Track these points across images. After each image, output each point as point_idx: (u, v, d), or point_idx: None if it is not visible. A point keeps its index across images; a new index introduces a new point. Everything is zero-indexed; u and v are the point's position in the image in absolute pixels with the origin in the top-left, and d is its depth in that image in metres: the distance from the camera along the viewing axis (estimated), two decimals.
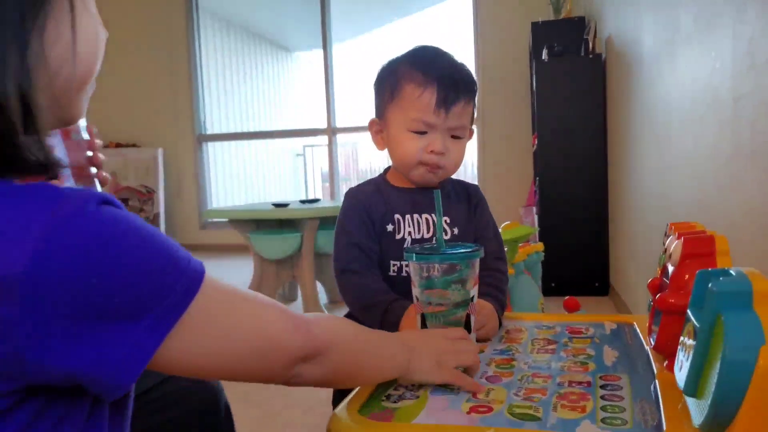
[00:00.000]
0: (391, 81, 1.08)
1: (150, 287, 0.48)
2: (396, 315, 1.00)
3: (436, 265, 0.85)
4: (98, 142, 0.90)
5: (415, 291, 0.89)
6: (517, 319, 1.12)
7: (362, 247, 1.07)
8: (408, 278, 0.92)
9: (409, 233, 1.09)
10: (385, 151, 1.15)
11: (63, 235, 0.44)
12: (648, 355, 0.83)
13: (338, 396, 1.13)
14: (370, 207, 1.10)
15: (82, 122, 0.85)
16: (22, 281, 0.42)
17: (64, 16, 0.52)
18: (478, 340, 0.94)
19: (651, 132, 2.34)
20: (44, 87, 0.49)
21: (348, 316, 1.12)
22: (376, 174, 1.20)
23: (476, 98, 1.11)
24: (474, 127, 1.15)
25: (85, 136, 0.87)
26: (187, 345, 0.52)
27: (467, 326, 0.88)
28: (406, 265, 1.08)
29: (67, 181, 0.83)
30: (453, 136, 1.07)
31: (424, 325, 0.89)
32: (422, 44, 1.12)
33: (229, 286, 0.59)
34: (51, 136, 0.73)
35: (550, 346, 0.93)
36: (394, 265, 1.10)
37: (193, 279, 0.52)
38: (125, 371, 0.47)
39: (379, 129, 1.13)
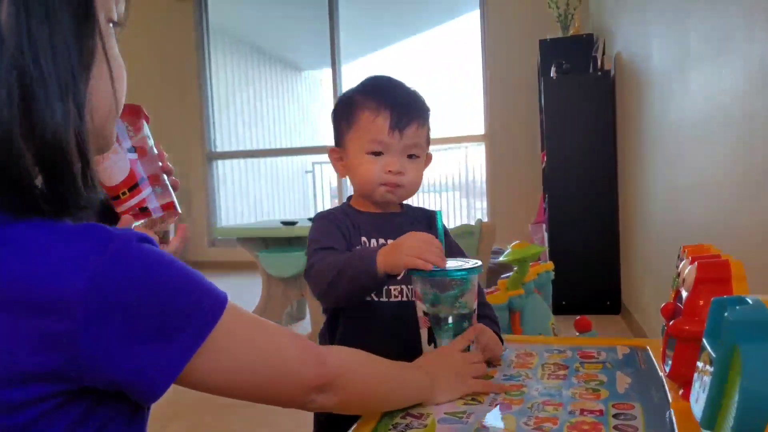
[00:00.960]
0: (347, 111, 1.12)
1: (183, 310, 0.57)
2: (367, 250, 1.03)
3: (446, 281, 0.90)
4: (165, 154, 1.00)
5: (422, 306, 0.93)
6: (527, 342, 1.10)
7: (334, 249, 1.06)
8: (384, 304, 1.03)
9: None
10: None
11: (114, 265, 0.53)
12: (662, 382, 0.81)
13: (320, 426, 1.16)
14: (341, 226, 1.10)
15: (150, 139, 0.96)
16: (81, 302, 0.51)
17: (102, 61, 0.60)
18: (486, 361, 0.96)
19: (662, 150, 2.32)
20: (90, 129, 0.57)
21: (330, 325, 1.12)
22: None
23: (429, 122, 1.13)
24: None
25: (155, 150, 0.97)
26: (212, 364, 0.59)
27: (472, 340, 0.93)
28: (396, 292, 1.06)
29: (145, 189, 0.92)
30: (409, 156, 1.09)
31: (431, 339, 0.93)
32: (375, 75, 1.17)
33: (250, 314, 0.65)
34: (128, 155, 0.90)
35: (561, 372, 0.91)
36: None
37: (218, 304, 0.59)
38: (159, 383, 0.55)
39: (339, 157, 1.15)
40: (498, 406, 0.79)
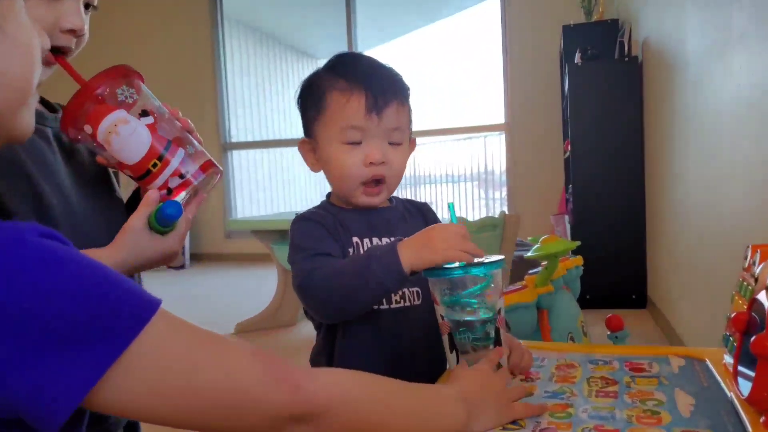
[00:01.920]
0: (313, 95, 0.98)
1: (90, 317, 0.46)
2: (380, 248, 0.88)
3: (467, 279, 0.81)
4: (177, 110, 0.92)
5: (440, 310, 0.83)
6: (566, 351, 0.99)
7: (331, 255, 0.93)
8: (382, 312, 0.93)
9: None
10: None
11: (1, 263, 0.43)
12: (733, 404, 0.70)
13: None
14: (329, 228, 0.96)
15: (155, 98, 0.85)
16: None
17: None
18: (513, 375, 0.87)
19: (698, 138, 2.19)
20: None
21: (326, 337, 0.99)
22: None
23: (410, 101, 1.00)
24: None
25: (164, 108, 0.86)
26: (133, 384, 0.48)
27: (497, 341, 0.83)
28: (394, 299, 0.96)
29: (176, 154, 0.81)
30: (391, 143, 0.96)
31: (452, 344, 0.83)
32: (341, 52, 1.03)
33: (192, 326, 0.53)
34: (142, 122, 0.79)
35: (611, 388, 0.80)
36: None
37: (143, 312, 0.49)
38: (59, 404, 0.45)
39: (311, 148, 1.02)
40: None
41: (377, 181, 0.96)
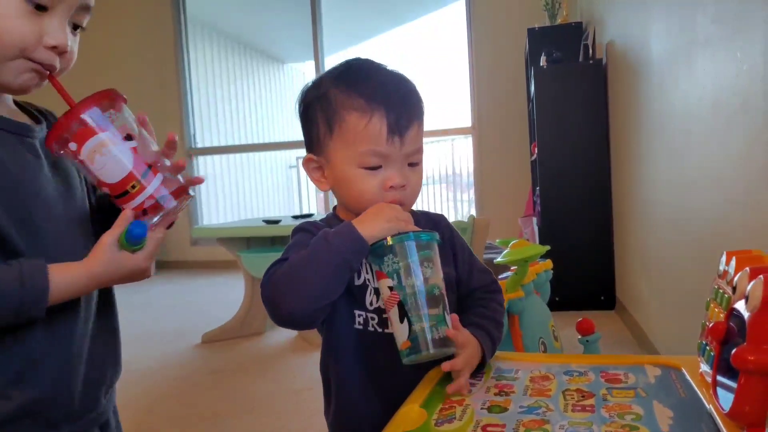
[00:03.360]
0: (324, 110, 0.91)
1: None
2: (336, 228, 0.86)
3: (419, 244, 0.83)
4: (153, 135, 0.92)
5: (386, 283, 0.83)
6: (540, 362, 0.97)
7: None
8: (375, 333, 0.91)
9: (368, 280, 0.92)
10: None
11: None
12: (712, 416, 0.68)
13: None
14: None
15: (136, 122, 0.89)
16: None
17: None
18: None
19: (663, 141, 2.20)
20: None
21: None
22: None
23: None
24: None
25: (144, 132, 0.89)
26: None
27: (444, 307, 0.84)
28: (372, 318, 0.93)
29: (152, 179, 0.83)
30: (410, 164, 0.92)
31: (402, 314, 0.82)
32: (349, 59, 0.95)
33: None
34: (126, 145, 0.83)
35: (587, 402, 0.78)
36: (359, 316, 0.93)
37: None
38: None
39: (318, 166, 0.95)
40: None
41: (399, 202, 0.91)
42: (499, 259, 1.80)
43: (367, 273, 0.93)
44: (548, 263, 2.10)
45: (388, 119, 0.87)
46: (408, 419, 0.77)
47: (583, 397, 0.80)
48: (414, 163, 0.92)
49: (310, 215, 3.89)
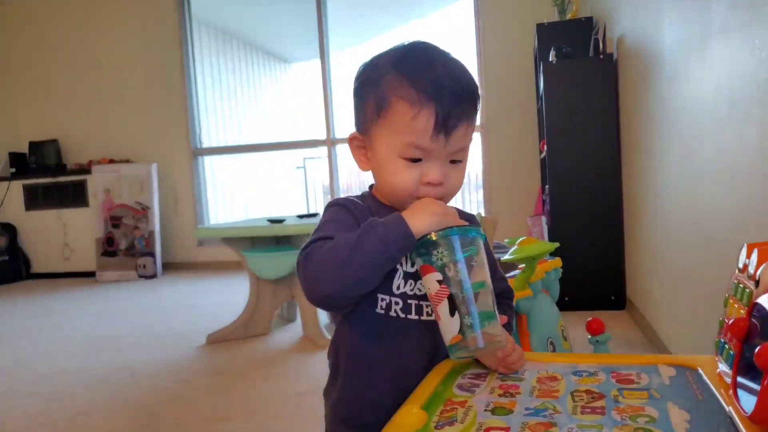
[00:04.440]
0: (376, 93, 0.88)
1: None
2: (385, 218, 0.83)
3: (467, 239, 0.82)
4: None
5: (436, 276, 0.81)
6: (547, 361, 0.91)
7: None
8: (397, 319, 0.89)
9: (400, 264, 0.90)
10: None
11: None
12: (733, 420, 0.63)
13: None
14: (358, 217, 0.90)
15: None
16: None
17: None
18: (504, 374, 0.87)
19: (675, 135, 2.14)
20: None
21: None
22: None
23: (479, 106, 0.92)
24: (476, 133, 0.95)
25: None
26: None
27: (494, 303, 0.83)
28: (396, 303, 0.90)
29: None
30: (453, 161, 0.89)
31: (453, 308, 0.80)
32: (413, 42, 0.91)
33: None
34: None
35: (597, 404, 0.73)
36: (382, 300, 0.90)
37: None
38: None
39: (362, 145, 0.94)
40: None
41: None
42: (506, 257, 1.75)
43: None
44: (557, 261, 2.04)
45: (437, 117, 0.83)
46: (408, 422, 0.73)
47: (592, 398, 0.75)
48: (458, 161, 0.89)
49: (314, 215, 3.85)
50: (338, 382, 0.96)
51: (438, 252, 0.81)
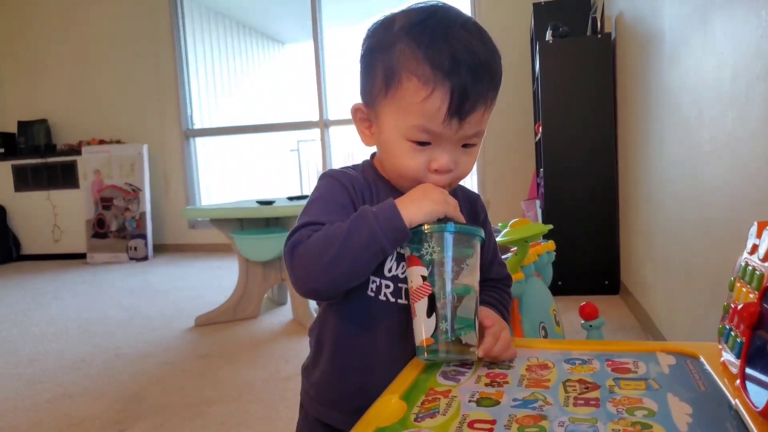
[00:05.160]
0: (385, 64, 0.77)
1: None
2: (377, 206, 0.77)
3: (464, 238, 0.76)
4: None
5: (421, 271, 0.75)
6: (537, 348, 0.86)
7: None
8: (387, 303, 0.83)
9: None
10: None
11: None
12: (740, 413, 0.58)
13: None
14: (354, 194, 0.83)
15: None
16: None
17: None
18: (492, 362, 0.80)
19: (675, 115, 2.08)
20: None
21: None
22: None
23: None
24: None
25: None
26: None
27: (475, 312, 0.77)
28: (387, 286, 0.84)
29: None
30: (465, 146, 0.80)
31: (431, 309, 0.75)
32: (432, 5, 0.79)
33: None
34: None
35: (591, 394, 0.67)
36: (373, 282, 0.84)
37: None
38: None
39: (366, 118, 0.85)
40: None
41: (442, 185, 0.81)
42: (498, 239, 1.69)
43: None
44: (551, 244, 1.99)
45: (452, 98, 0.74)
46: (385, 412, 0.67)
47: (586, 388, 0.69)
48: (470, 145, 0.81)
49: (305, 196, 3.78)
50: (322, 363, 0.92)
51: (429, 246, 0.75)
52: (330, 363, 0.90)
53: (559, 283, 3.39)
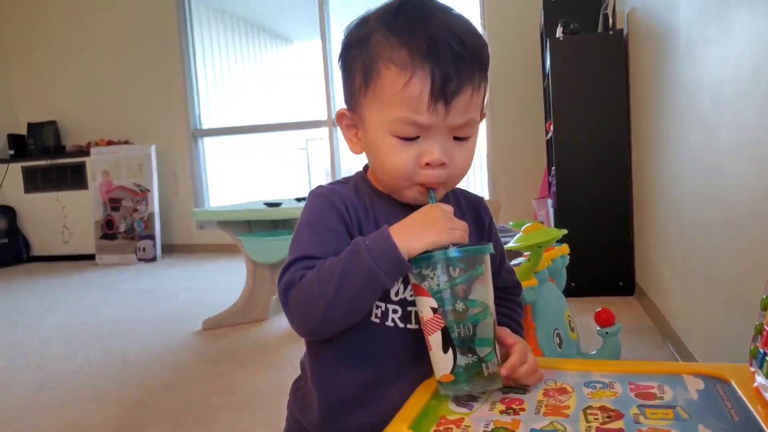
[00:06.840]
0: (363, 57, 0.73)
1: None
2: (371, 237, 0.71)
3: (474, 258, 0.69)
4: None
5: (430, 303, 0.69)
6: (554, 368, 0.81)
7: None
8: (394, 329, 0.78)
9: None
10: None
11: None
12: None
13: None
14: (346, 213, 0.77)
15: None
16: None
17: None
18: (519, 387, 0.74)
19: (691, 113, 2.01)
20: None
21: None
22: None
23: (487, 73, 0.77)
24: (486, 107, 0.81)
25: None
26: None
27: (494, 336, 0.72)
28: (394, 311, 0.79)
29: None
30: (457, 138, 0.74)
31: (447, 342, 0.68)
32: None
33: None
34: None
35: (615, 425, 0.62)
36: (378, 308, 0.78)
37: None
38: None
39: (352, 124, 0.79)
40: None
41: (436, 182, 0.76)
42: (510, 244, 1.64)
43: None
44: (564, 248, 1.93)
45: (433, 81, 0.69)
46: None
47: (609, 417, 0.64)
48: (463, 138, 0.75)
49: None
50: (315, 406, 0.84)
51: (434, 276, 0.69)
52: (321, 406, 0.84)
53: (572, 284, 3.31)
